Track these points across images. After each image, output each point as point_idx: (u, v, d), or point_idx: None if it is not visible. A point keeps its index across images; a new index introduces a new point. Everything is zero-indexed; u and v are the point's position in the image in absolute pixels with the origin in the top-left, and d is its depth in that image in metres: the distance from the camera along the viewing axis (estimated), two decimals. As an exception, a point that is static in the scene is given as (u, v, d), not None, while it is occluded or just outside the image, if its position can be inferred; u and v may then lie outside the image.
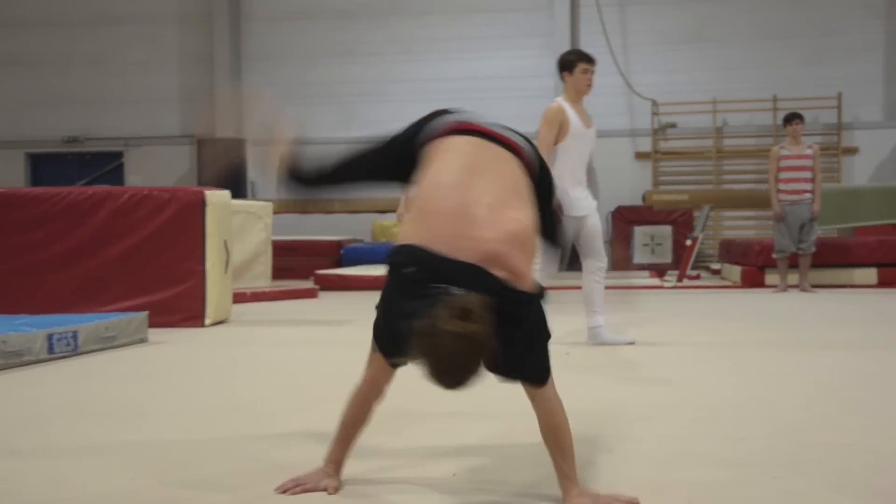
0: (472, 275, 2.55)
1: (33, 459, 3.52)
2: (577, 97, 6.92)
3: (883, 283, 12.02)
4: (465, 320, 2.40)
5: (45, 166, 17.98)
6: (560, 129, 6.69)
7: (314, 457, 3.18)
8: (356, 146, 3.20)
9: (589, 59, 6.90)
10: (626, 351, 6.33)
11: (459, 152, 2.86)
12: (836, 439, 3.57)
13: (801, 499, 2.80)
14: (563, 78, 6.94)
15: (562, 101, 6.79)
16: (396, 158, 3.09)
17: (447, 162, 2.84)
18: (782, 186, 11.41)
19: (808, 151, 11.43)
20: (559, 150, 6.79)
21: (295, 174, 3.25)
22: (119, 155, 17.81)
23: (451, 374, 2.50)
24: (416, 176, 2.95)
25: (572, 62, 6.84)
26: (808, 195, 11.33)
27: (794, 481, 2.98)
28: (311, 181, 3.29)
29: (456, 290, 2.48)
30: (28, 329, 6.00)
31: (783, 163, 11.44)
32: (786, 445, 3.49)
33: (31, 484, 3.16)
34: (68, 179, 16.48)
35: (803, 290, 11.29)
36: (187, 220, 8.30)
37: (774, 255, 11.59)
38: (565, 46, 16.26)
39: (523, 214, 2.74)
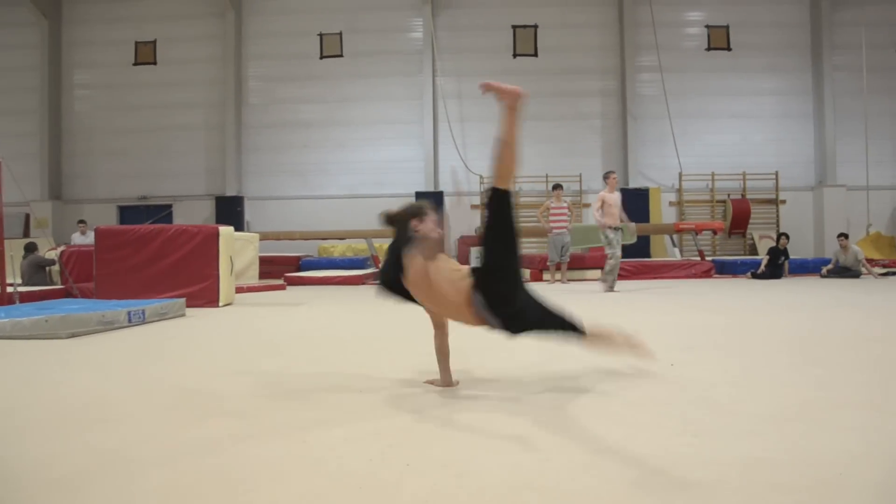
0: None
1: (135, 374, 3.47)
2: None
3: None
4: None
5: (127, 213, 17.23)
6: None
7: (301, 371, 3.18)
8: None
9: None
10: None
11: None
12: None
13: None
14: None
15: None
16: None
17: None
18: (553, 225, 11.58)
19: (564, 205, 11.69)
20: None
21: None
22: (170, 206, 17.15)
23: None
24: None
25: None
26: (565, 229, 11.61)
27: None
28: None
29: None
30: (117, 308, 6.01)
31: (552, 211, 11.62)
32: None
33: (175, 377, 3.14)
34: (140, 221, 15.93)
35: (563, 282, 11.49)
36: (208, 244, 8.23)
37: (549, 263, 11.82)
38: (430, 144, 16.51)
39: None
